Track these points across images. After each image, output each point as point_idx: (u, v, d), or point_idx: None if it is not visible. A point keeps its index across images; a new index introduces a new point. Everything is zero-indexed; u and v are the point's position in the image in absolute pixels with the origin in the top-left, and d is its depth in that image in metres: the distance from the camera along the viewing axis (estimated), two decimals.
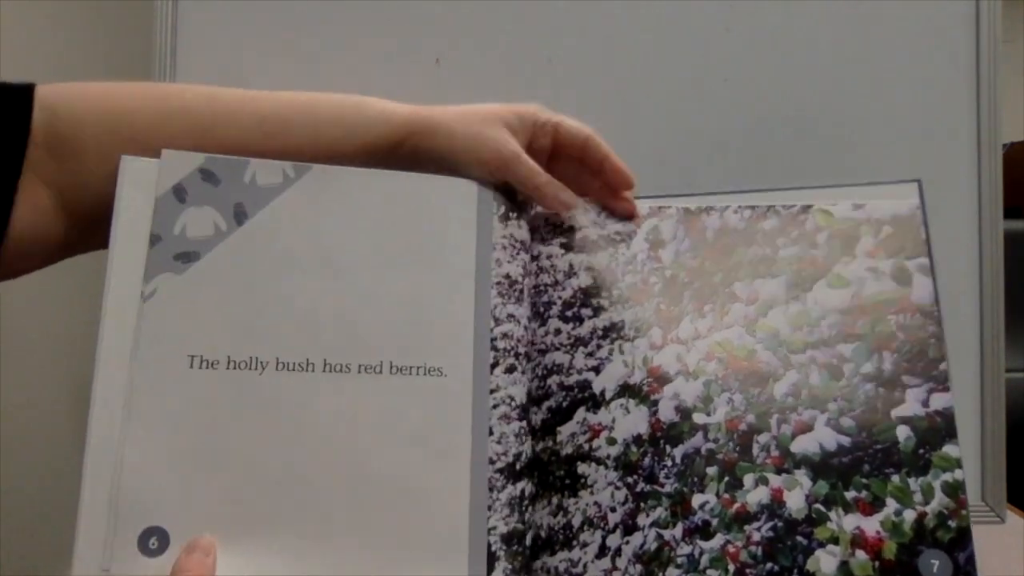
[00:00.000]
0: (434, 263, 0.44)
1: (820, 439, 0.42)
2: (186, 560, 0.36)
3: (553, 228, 0.49)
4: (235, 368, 0.39)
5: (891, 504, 0.40)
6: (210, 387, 0.39)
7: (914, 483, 0.40)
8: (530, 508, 0.44)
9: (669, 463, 0.43)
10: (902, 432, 0.41)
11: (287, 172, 0.42)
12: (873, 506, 0.40)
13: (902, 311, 0.43)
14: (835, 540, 0.40)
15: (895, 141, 0.76)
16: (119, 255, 0.39)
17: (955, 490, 0.40)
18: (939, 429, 0.41)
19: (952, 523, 0.39)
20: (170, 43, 0.75)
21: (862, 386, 0.42)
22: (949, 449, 0.40)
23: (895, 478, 0.40)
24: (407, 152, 0.46)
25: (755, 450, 0.42)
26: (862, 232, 0.45)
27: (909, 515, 0.40)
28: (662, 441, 0.43)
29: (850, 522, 0.40)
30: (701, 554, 0.41)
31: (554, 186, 0.48)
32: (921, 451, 0.40)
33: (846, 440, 0.41)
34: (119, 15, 0.94)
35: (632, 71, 0.77)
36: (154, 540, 0.37)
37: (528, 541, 0.43)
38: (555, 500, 0.44)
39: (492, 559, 0.41)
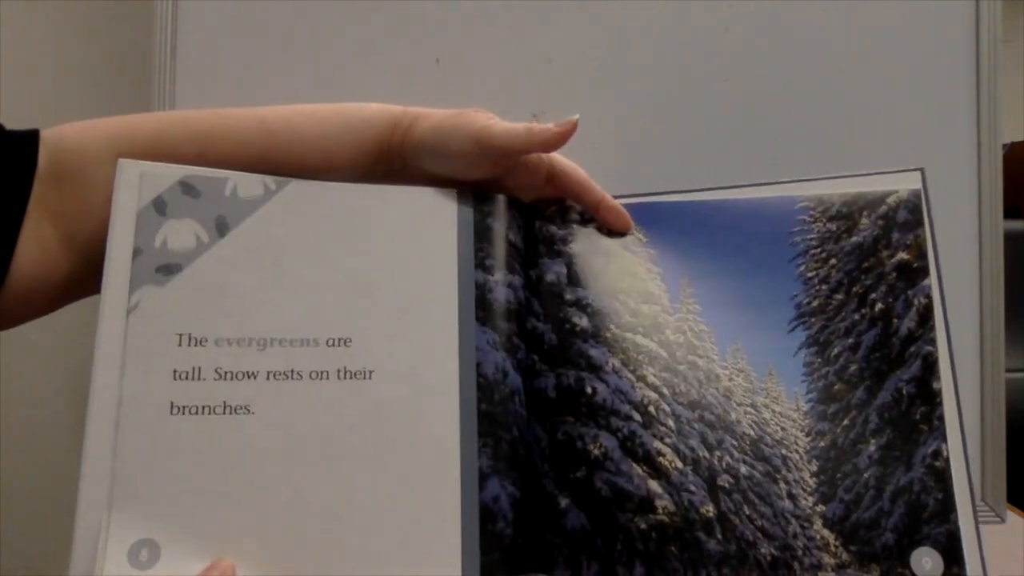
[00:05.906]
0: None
1: None
2: None
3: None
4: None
5: None
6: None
7: None
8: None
9: None
10: None
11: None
12: None
13: None
14: None
15: (895, 141, 0.76)
16: (111, 266, 0.39)
17: None
18: None
19: None
20: (170, 43, 0.75)
21: None
22: None
23: None
24: (398, 140, 0.46)
25: None
26: None
27: None
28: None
29: None
30: None
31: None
32: None
33: None
34: (119, 15, 0.94)
35: (632, 71, 0.77)
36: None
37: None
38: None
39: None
